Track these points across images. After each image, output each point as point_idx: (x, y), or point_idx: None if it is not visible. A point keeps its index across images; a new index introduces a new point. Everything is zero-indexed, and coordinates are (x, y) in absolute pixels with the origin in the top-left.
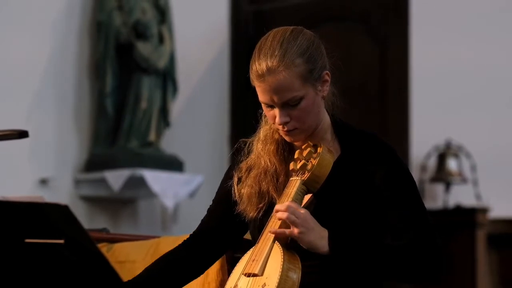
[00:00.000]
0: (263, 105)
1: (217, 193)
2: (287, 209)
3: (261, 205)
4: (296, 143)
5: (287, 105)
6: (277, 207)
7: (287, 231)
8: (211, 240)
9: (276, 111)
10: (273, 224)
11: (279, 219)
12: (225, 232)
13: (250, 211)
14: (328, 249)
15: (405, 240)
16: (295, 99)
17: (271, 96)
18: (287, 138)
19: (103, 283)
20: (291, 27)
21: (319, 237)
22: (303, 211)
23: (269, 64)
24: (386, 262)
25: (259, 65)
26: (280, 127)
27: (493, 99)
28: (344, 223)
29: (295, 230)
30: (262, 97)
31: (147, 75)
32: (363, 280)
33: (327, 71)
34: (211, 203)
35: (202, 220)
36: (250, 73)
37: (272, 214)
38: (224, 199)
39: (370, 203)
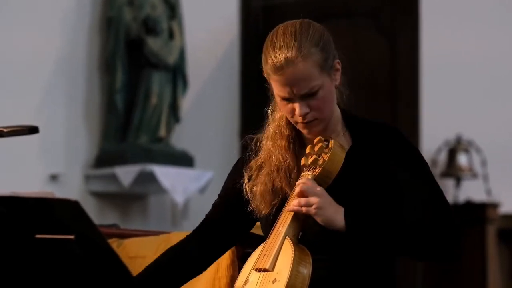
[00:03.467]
0: (279, 100)
1: (223, 188)
2: (301, 189)
3: (274, 202)
4: (307, 136)
5: (306, 95)
6: (295, 190)
7: (303, 208)
8: (215, 234)
9: (296, 104)
10: (284, 219)
11: (293, 205)
12: (230, 227)
13: (263, 208)
14: (344, 224)
15: (422, 217)
16: (314, 89)
17: (291, 87)
18: (305, 131)
19: (113, 278)
20: (299, 21)
21: (335, 213)
22: (319, 188)
23: (287, 55)
24: (401, 237)
25: (275, 58)
26: (300, 119)
27: (503, 94)
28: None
29: (312, 206)
30: (280, 90)
31: (157, 70)
32: (372, 274)
33: (338, 60)
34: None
35: (206, 215)
36: (265, 68)
37: (283, 210)
38: (230, 194)
39: (384, 192)
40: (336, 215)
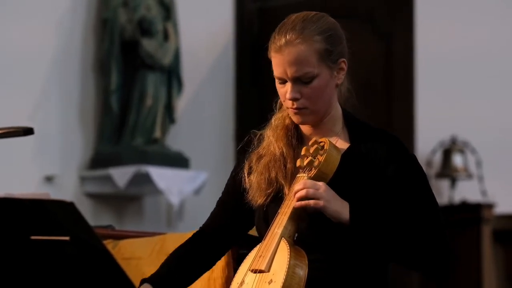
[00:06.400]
0: (276, 83)
1: (226, 184)
2: (305, 186)
3: (269, 191)
4: (305, 132)
5: (299, 81)
6: (295, 188)
7: (311, 202)
8: (221, 231)
9: (288, 85)
10: (280, 220)
11: (300, 197)
12: (235, 223)
13: (259, 198)
14: (348, 218)
15: (416, 230)
16: (308, 76)
17: (285, 68)
18: (295, 118)
19: (109, 280)
20: (317, 12)
21: (341, 206)
22: (321, 183)
23: (288, 37)
24: (397, 241)
25: (278, 37)
26: (290, 103)
27: (498, 95)
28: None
29: (321, 199)
30: (276, 70)
31: (152, 72)
32: (367, 274)
33: (344, 60)
34: (216, 199)
35: (212, 212)
36: (269, 46)
37: (279, 211)
38: (233, 190)
39: (380, 194)
40: (342, 208)
